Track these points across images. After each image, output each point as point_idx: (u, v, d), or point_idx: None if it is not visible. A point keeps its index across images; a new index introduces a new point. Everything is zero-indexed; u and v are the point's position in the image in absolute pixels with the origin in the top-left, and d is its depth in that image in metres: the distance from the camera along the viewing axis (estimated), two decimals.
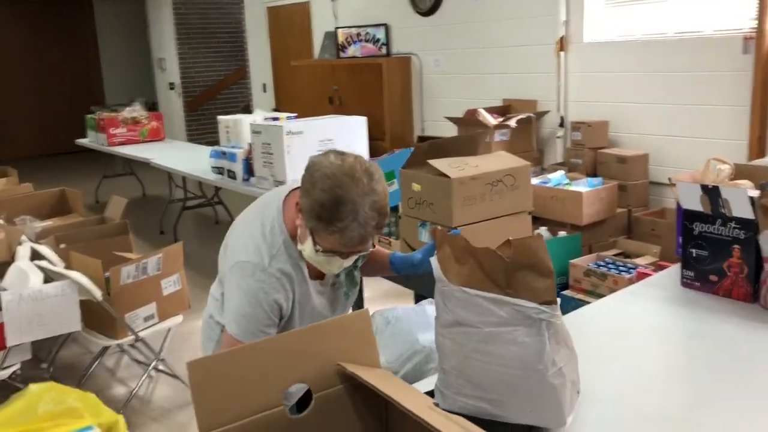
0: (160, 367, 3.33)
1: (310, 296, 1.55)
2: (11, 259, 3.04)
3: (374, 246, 1.60)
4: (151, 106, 9.63)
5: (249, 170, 4.34)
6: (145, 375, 3.30)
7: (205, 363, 0.86)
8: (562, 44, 4.94)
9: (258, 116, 4.88)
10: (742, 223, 1.70)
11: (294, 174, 3.78)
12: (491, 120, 4.79)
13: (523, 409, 1.23)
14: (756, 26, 3.82)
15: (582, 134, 4.60)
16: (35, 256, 3.01)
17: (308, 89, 7.22)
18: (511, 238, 1.25)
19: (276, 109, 8.17)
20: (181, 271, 3.12)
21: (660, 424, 1.25)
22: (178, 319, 3.19)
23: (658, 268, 3.53)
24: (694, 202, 1.80)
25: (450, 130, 5.31)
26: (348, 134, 3.94)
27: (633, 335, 1.64)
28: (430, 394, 1.29)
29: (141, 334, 3.01)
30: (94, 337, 3.03)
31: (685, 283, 1.87)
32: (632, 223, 4.22)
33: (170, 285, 3.05)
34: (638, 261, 3.73)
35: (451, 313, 1.28)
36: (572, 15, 4.89)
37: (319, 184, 1.38)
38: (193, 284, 3.42)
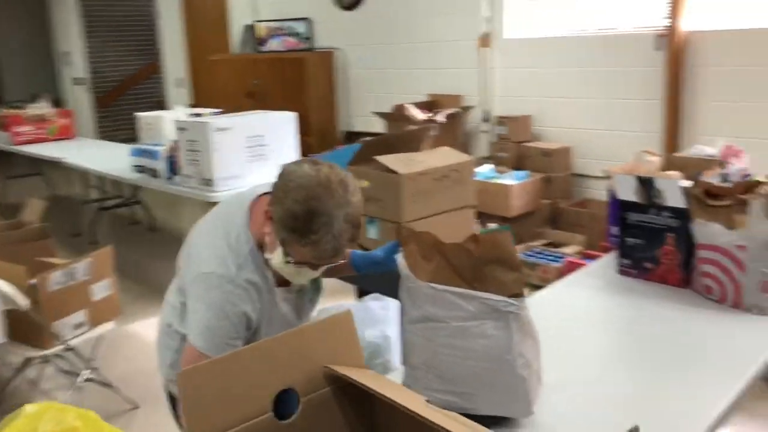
0: (91, 375, 3.19)
1: (276, 304, 1.52)
2: None
3: (345, 258, 1.57)
4: (57, 103, 9.15)
5: (173, 168, 4.21)
6: (75, 385, 3.15)
7: (196, 372, 0.84)
8: (484, 40, 5.06)
9: (179, 112, 4.74)
10: (675, 212, 1.81)
11: (221, 172, 3.70)
12: (420, 115, 4.84)
13: (492, 401, 1.26)
14: (668, 24, 4.05)
15: (507, 128, 4.73)
16: None
17: (227, 85, 7.04)
18: (477, 233, 1.28)
19: (193, 105, 7.94)
20: (111, 275, 3.00)
21: (611, 407, 1.32)
22: (110, 325, 3.07)
23: (585, 256, 3.69)
24: (629, 192, 1.90)
25: (378, 126, 5.34)
26: (277, 130, 3.88)
27: (575, 323, 1.71)
28: None
29: (71, 343, 2.87)
30: (20, 349, 2.87)
31: (622, 270, 1.97)
32: (557, 214, 4.39)
33: (101, 290, 2.93)
34: (565, 250, 3.89)
35: (418, 309, 1.30)
36: (494, 12, 5.02)
37: (292, 194, 1.34)
38: (118, 288, 3.29)
